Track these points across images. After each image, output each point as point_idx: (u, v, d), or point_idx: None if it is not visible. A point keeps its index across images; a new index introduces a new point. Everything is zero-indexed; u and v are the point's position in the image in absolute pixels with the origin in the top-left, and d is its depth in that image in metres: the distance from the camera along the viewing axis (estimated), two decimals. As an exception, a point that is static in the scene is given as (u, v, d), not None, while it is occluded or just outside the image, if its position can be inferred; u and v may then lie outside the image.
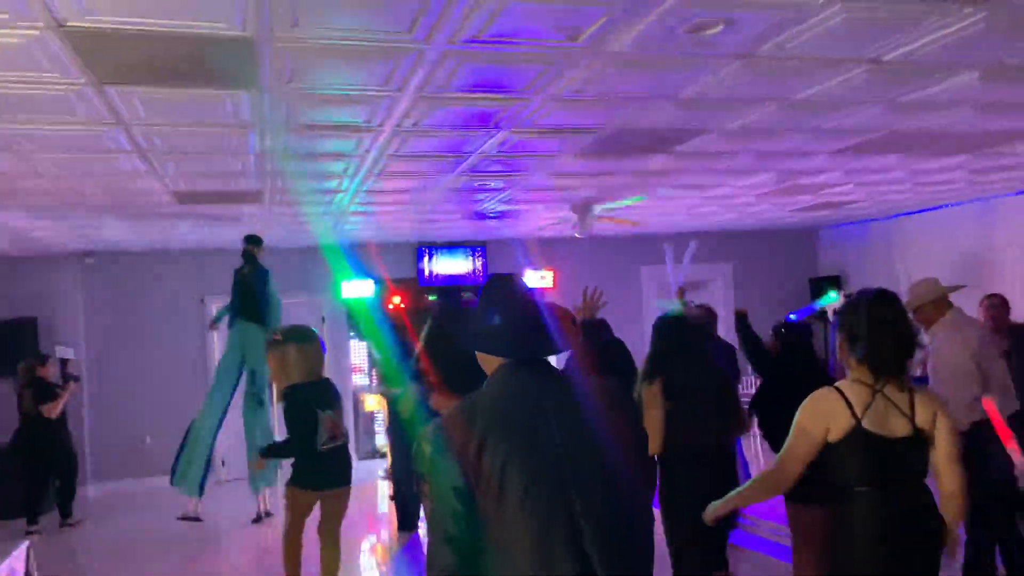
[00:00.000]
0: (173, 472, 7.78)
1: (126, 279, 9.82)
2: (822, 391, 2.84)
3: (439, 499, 1.79)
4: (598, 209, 7.69)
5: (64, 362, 8.61)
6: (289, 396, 4.90)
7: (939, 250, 9.39)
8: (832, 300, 5.77)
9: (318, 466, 4.98)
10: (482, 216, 8.16)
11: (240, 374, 7.82)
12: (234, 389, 7.81)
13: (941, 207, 9.54)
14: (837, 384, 2.83)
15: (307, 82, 3.53)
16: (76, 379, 8.40)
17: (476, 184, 6.27)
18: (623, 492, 1.87)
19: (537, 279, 11.00)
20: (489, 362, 2.02)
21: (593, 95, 3.87)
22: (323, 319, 10.54)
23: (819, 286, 11.19)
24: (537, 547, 1.75)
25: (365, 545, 7.37)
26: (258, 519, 8.02)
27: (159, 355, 9.90)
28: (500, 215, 8.21)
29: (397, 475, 7.17)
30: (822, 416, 2.78)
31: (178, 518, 7.80)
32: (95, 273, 9.62)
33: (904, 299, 5.24)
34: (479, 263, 10.99)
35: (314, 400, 5.00)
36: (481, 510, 1.77)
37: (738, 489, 3.15)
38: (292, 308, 9.95)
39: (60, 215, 6.80)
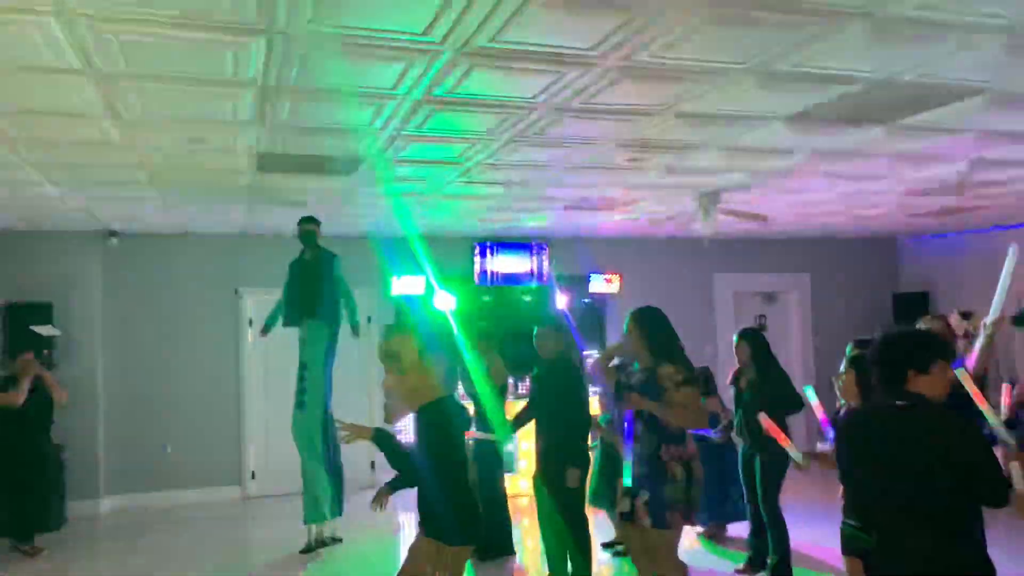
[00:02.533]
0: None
1: (153, 264, 8.60)
2: None
3: None
4: (721, 202, 6.69)
5: (40, 341, 7.28)
6: (444, 412, 3.50)
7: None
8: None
9: (472, 511, 3.49)
10: (588, 203, 7.11)
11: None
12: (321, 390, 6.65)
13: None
14: None
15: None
16: (45, 362, 7.02)
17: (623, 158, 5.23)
18: None
19: (602, 283, 9.98)
20: None
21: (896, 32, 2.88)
22: (368, 319, 9.40)
23: (905, 304, 10.30)
24: None
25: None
26: (310, 549, 6.65)
27: (186, 352, 8.69)
28: (596, 202, 7.16)
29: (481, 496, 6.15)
30: None
31: (301, 551, 6.55)
32: (118, 256, 8.39)
33: None
34: (540, 262, 9.93)
35: (465, 421, 3.74)
36: None
37: None
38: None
39: (98, 179, 5.65)
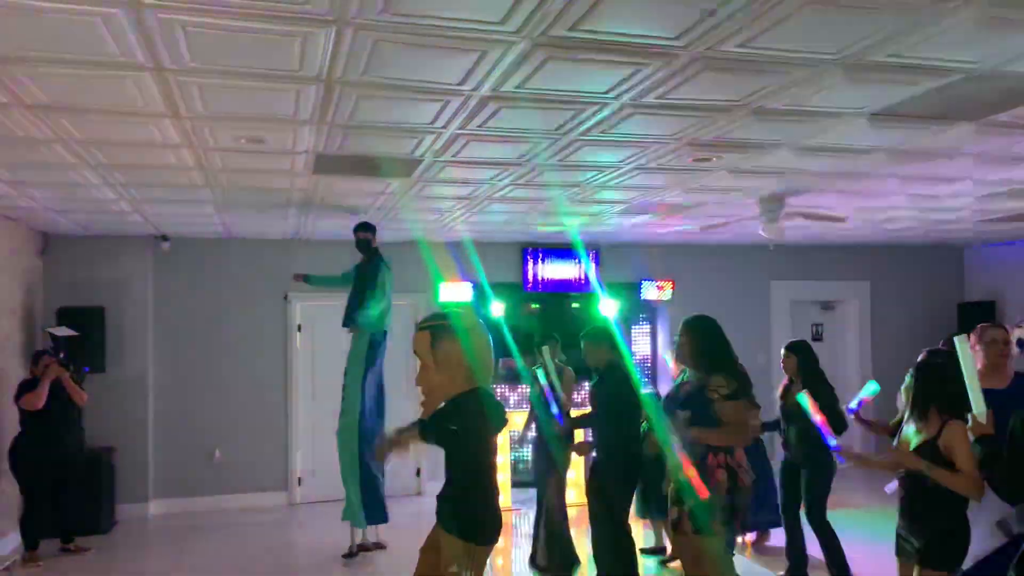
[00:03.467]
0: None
1: (203, 269, 8.59)
2: None
3: None
4: (786, 206, 6.45)
5: (56, 340, 7.19)
6: (468, 405, 3.40)
7: None
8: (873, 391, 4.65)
9: (496, 509, 3.45)
10: (645, 207, 6.91)
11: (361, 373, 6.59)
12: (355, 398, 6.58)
13: None
14: None
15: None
16: (65, 365, 6.83)
17: (694, 156, 5.03)
18: None
19: (654, 290, 9.75)
20: None
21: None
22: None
23: (971, 314, 9.89)
24: None
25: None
26: (351, 554, 6.61)
27: (235, 357, 8.66)
28: (654, 206, 6.96)
29: (545, 509, 6.05)
30: None
31: (343, 556, 6.58)
32: (169, 260, 8.39)
33: None
34: (588, 269, 9.73)
35: (497, 418, 3.55)
36: None
37: None
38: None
39: (153, 181, 5.60)
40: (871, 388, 4.51)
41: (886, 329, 10.24)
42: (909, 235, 9.11)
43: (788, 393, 5.55)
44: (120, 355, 8.15)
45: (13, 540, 6.79)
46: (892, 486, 3.79)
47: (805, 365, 5.46)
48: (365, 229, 6.76)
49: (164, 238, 8.20)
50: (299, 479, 8.82)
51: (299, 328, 8.92)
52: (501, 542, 7.14)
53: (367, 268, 6.66)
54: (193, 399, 8.52)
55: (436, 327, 3.44)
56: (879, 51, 3.21)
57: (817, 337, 10.33)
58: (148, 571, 6.61)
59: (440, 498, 3.44)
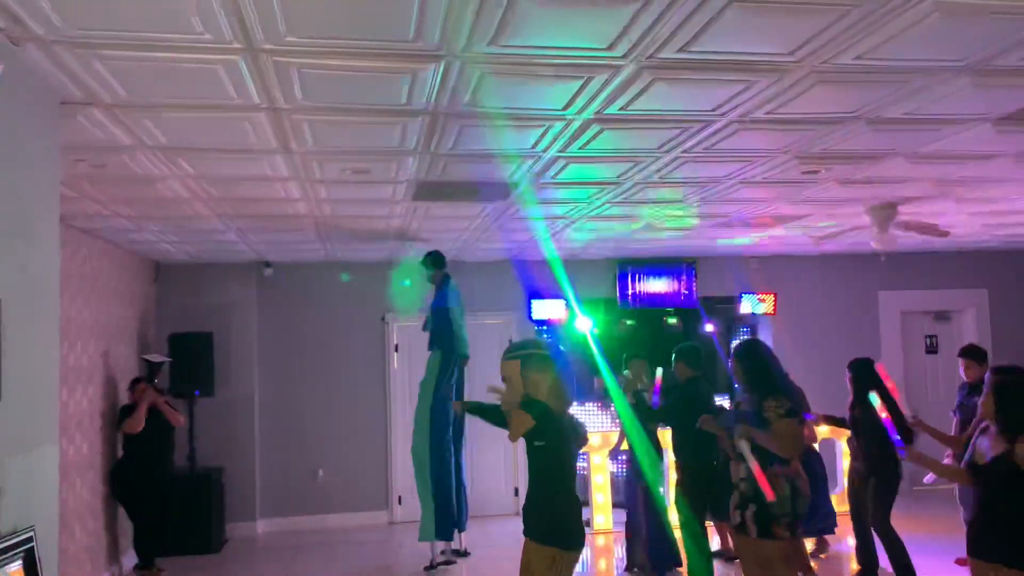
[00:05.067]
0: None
1: (303, 293, 8.83)
2: None
3: None
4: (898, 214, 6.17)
5: (151, 366, 7.40)
6: (553, 425, 3.77)
7: None
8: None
9: (579, 516, 3.84)
10: (740, 220, 6.74)
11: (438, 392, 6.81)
12: (440, 413, 6.78)
13: None
14: None
15: None
16: (160, 390, 7.11)
17: (802, 171, 4.87)
18: None
19: (754, 304, 9.48)
20: None
21: None
22: (510, 341, 9.29)
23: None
24: None
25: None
26: (432, 566, 6.81)
27: (336, 378, 8.85)
28: (749, 218, 6.77)
29: (632, 518, 6.46)
30: None
31: (424, 569, 6.84)
32: (272, 285, 8.67)
33: None
34: (685, 283, 9.54)
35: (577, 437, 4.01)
36: None
37: None
38: (476, 328, 8.85)
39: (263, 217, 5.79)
40: None
41: (1008, 339, 9.65)
42: (1028, 239, 8.60)
43: (853, 407, 5.84)
44: (227, 378, 8.44)
45: (132, 558, 7.08)
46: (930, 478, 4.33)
47: (856, 381, 5.72)
48: (431, 266, 6.98)
49: (267, 264, 8.48)
50: (399, 498, 8.93)
51: (396, 348, 9.06)
52: (603, 565, 7.08)
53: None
54: (296, 420, 8.75)
55: (525, 356, 3.86)
56: (1009, 55, 3.03)
57: (931, 349, 9.83)
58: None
59: (525, 509, 3.83)
